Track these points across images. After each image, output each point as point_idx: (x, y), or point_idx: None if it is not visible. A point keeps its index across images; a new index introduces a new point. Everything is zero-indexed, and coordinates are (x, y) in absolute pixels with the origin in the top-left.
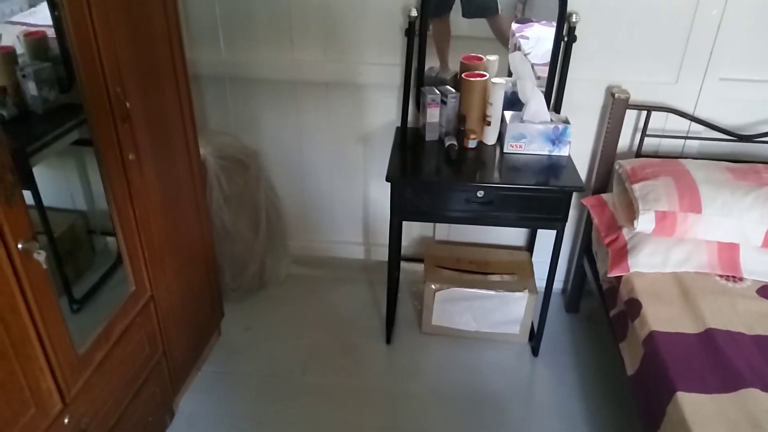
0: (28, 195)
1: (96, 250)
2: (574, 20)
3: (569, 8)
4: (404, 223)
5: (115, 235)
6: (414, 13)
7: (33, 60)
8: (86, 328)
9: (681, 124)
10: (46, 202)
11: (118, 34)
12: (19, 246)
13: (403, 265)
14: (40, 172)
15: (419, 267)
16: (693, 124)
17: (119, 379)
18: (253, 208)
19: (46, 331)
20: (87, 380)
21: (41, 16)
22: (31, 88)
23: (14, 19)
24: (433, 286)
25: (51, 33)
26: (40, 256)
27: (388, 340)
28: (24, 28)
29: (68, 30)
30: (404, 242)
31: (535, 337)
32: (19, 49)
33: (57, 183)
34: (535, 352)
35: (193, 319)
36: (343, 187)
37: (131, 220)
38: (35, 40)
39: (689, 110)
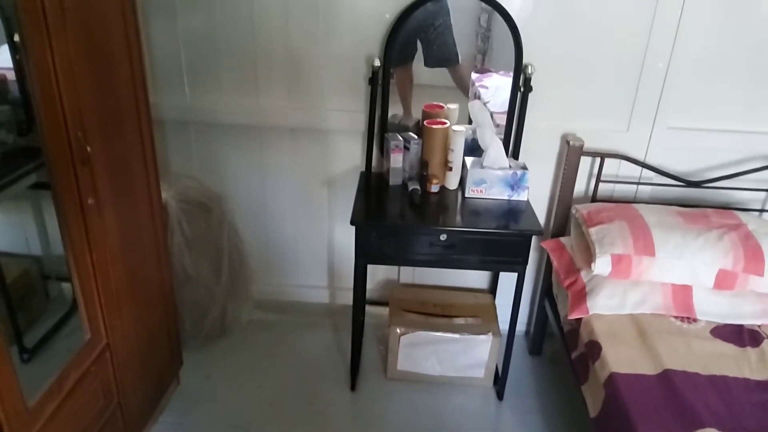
0: None
1: (50, 297)
2: (529, 72)
3: (525, 60)
4: (369, 266)
5: (70, 281)
6: (377, 63)
7: None
8: (37, 379)
9: (633, 170)
10: None
11: (80, 77)
12: None
13: (368, 309)
14: None
15: (384, 311)
16: (645, 170)
17: None
18: (215, 252)
19: None
20: None
21: (1, 59)
22: None
23: None
24: (398, 330)
25: (11, 75)
26: None
27: (353, 387)
28: None
29: (30, 74)
30: (369, 285)
31: (499, 381)
32: None
33: (11, 227)
34: (500, 395)
35: (150, 367)
36: (308, 230)
37: (88, 266)
38: None
39: (640, 157)
